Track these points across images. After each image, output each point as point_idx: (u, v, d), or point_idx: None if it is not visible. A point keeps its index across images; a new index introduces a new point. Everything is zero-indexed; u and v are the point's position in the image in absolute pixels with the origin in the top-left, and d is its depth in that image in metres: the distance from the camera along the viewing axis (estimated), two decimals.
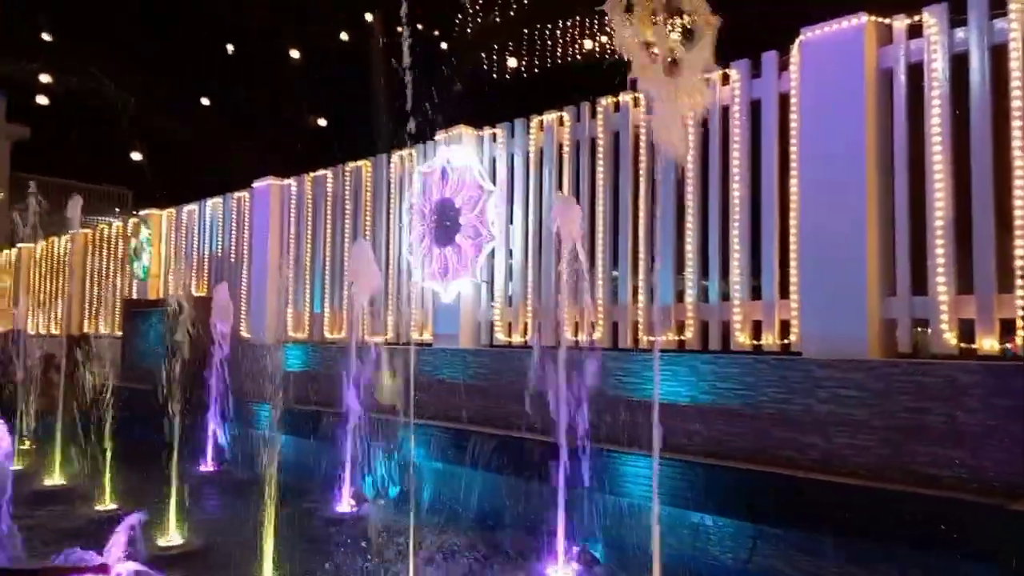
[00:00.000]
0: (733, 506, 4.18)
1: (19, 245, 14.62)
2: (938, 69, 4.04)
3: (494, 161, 6.51)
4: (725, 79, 5.02)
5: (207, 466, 7.07)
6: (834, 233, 4.25)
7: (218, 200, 9.96)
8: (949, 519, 3.30)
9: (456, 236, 6.47)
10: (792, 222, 4.58)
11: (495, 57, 15.05)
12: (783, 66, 4.70)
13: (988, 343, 3.79)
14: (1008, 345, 3.78)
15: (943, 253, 3.97)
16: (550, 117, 6.10)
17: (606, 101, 5.71)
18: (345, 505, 5.64)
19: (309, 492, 6.09)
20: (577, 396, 4.20)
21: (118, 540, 2.89)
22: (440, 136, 6.80)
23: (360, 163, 7.90)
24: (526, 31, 14.75)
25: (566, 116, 5.99)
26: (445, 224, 6.57)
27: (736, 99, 4.92)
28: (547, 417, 4.21)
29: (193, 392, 8.46)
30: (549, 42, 14.74)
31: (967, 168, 3.91)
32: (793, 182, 4.58)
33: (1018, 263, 3.72)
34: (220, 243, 9.88)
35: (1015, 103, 3.72)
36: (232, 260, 9.56)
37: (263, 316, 8.72)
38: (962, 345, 3.88)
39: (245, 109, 17.59)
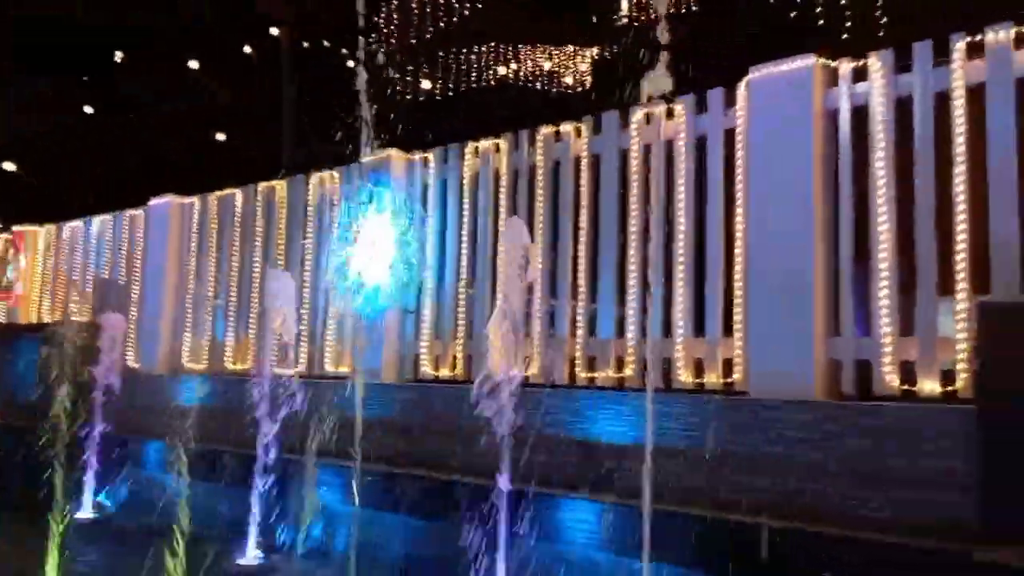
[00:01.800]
0: (680, 553, 4.00)
1: None
2: (882, 112, 4.12)
3: (425, 188, 6.23)
4: (670, 113, 4.99)
5: (88, 512, 6.28)
6: (781, 271, 4.23)
7: (107, 217, 9.14)
8: (908, 566, 3.24)
9: (387, 265, 6.11)
10: (737, 258, 4.54)
11: (409, 79, 14.81)
12: (729, 102, 4.71)
13: (929, 385, 3.82)
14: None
15: (886, 295, 4.01)
16: (486, 144, 5.91)
17: (546, 130, 5.57)
18: (250, 556, 5.09)
19: (209, 541, 5.47)
20: (515, 436, 3.93)
21: None
22: (367, 159, 6.46)
23: (273, 183, 7.42)
24: (442, 54, 14.60)
25: (503, 143, 5.82)
26: (372, 251, 6.19)
27: (681, 134, 4.89)
28: (478, 458, 3.93)
29: (72, 429, 7.61)
30: (464, 67, 14.64)
31: (910, 210, 3.98)
32: (739, 218, 4.55)
33: (959, 307, 3.79)
34: (107, 264, 9.04)
35: (958, 149, 3.83)
36: (121, 283, 8.75)
37: (156, 344, 7.98)
38: (904, 387, 3.90)
39: (135, 121, 16.47)
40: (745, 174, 4.52)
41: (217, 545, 5.26)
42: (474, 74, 14.27)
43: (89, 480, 6.40)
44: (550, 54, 13.99)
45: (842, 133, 4.28)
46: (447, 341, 5.93)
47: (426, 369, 5.98)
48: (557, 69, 13.91)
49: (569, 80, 13.77)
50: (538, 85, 13.89)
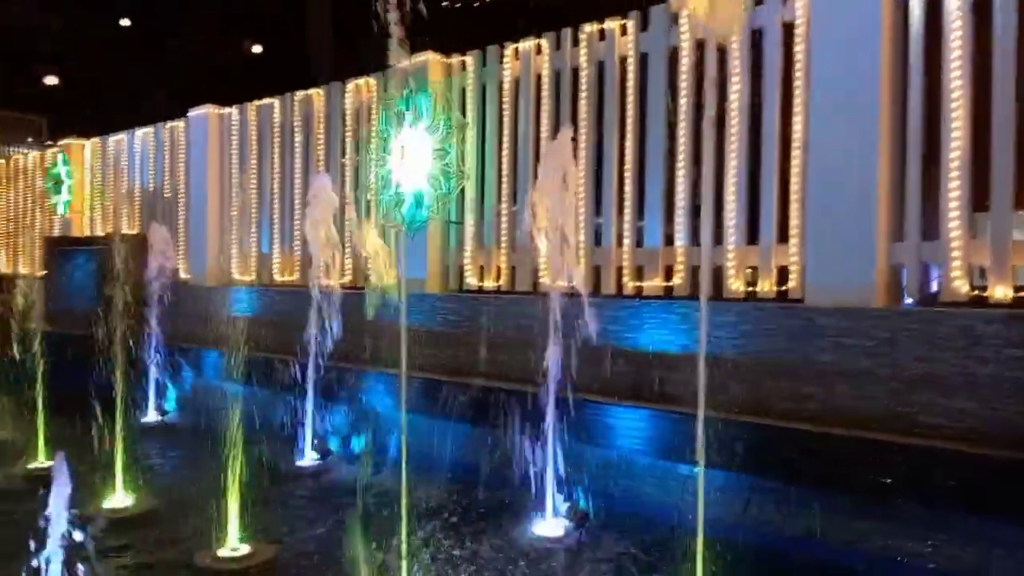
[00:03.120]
0: (728, 458, 4.01)
1: None
2: (959, 5, 3.78)
3: (464, 92, 6.03)
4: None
5: (150, 417, 6.57)
6: (843, 172, 4.02)
7: (149, 130, 9.13)
8: (966, 473, 3.19)
9: (426, 172, 6.01)
10: (794, 161, 4.33)
11: None
12: None
13: (1001, 291, 3.66)
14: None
15: (957, 195, 3.79)
16: (527, 45, 5.65)
17: (590, 28, 5.29)
18: (308, 458, 5.29)
19: (267, 445, 5.70)
20: (565, 346, 3.92)
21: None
22: (403, 63, 6.24)
23: (311, 91, 7.27)
24: None
25: (545, 44, 5.55)
26: (412, 159, 6.08)
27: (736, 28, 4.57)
28: (529, 367, 3.94)
29: (131, 337, 7.89)
30: None
31: (987, 106, 3.70)
32: (797, 119, 4.31)
33: None
34: (152, 177, 9.10)
35: None
36: (166, 195, 8.83)
37: (204, 257, 8.10)
38: (975, 292, 3.74)
39: (172, 33, 16.22)
40: (806, 71, 4.24)
41: (275, 448, 5.49)
42: None
43: (150, 387, 6.67)
44: None
45: (913, 28, 3.96)
46: (491, 251, 5.87)
47: (471, 280, 5.95)
48: None
49: None
50: None
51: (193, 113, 8.28)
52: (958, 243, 3.78)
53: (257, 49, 16.43)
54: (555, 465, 3.93)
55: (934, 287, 4.06)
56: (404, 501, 3.08)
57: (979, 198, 3.80)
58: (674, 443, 4.11)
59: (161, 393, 6.73)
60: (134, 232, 9.08)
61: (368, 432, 5.57)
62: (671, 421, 4.18)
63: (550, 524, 3.79)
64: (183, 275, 8.32)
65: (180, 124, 8.63)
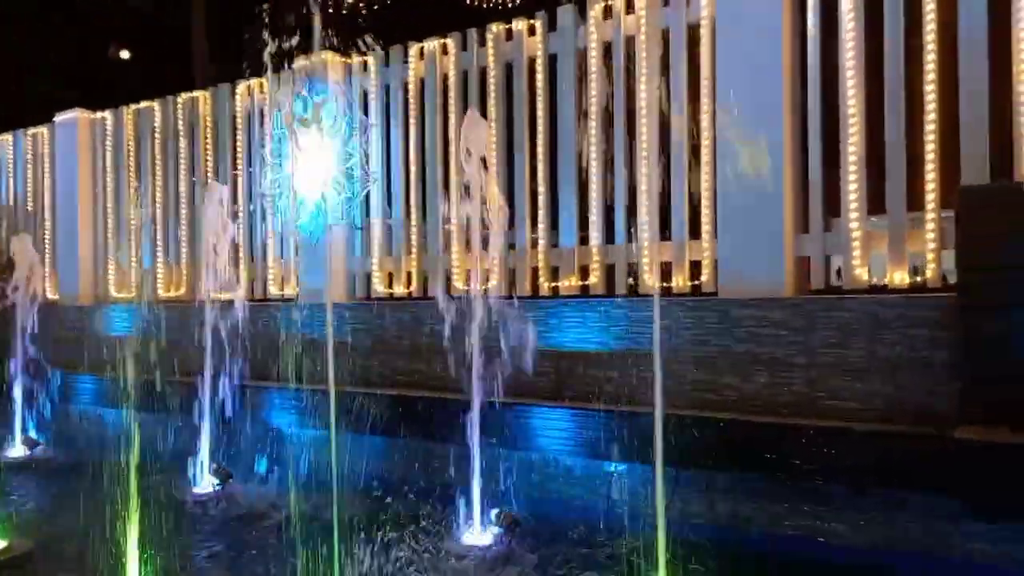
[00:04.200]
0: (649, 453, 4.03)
1: None
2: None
3: (366, 94, 5.84)
4: (628, 7, 4.75)
5: (18, 450, 5.91)
6: (750, 169, 4.15)
7: (6, 137, 8.30)
8: (887, 453, 3.32)
9: (326, 176, 5.75)
10: (703, 160, 4.44)
11: None
12: None
13: (899, 276, 3.87)
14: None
15: (856, 187, 3.99)
16: (432, 45, 5.54)
17: (496, 28, 5.25)
18: (205, 484, 4.89)
19: (158, 473, 5.24)
20: (484, 349, 3.82)
21: None
22: (299, 64, 5.99)
23: (196, 94, 6.84)
24: None
25: (451, 44, 5.46)
26: (311, 163, 5.81)
27: (642, 28, 4.67)
28: (439, 373, 3.83)
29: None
30: None
31: (880, 96, 3.93)
32: (704, 117, 4.43)
33: (928, 196, 3.81)
34: (10, 188, 8.27)
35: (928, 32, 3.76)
36: (28, 209, 8.04)
37: (75, 273, 7.42)
38: (874, 280, 3.94)
39: (26, 36, 14.93)
40: (711, 72, 4.37)
41: (168, 475, 5.05)
42: None
43: (16, 417, 6.01)
44: None
45: (811, 30, 4.16)
46: (399, 257, 5.69)
47: (378, 287, 5.74)
48: None
49: None
50: None
51: (60, 118, 7.60)
52: (858, 234, 3.97)
53: (125, 54, 15.40)
54: (478, 471, 3.80)
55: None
56: (314, 522, 2.88)
57: (873, 202, 4.03)
58: (598, 441, 4.09)
59: (30, 424, 6.08)
60: None
61: (270, 452, 5.24)
62: (594, 419, 4.16)
63: (477, 533, 3.65)
64: (50, 294, 7.59)
65: (44, 130, 7.90)
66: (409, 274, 5.65)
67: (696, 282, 4.51)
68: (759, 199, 4.12)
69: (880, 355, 3.60)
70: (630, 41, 4.74)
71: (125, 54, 15.32)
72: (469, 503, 3.69)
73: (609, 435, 4.07)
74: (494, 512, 3.76)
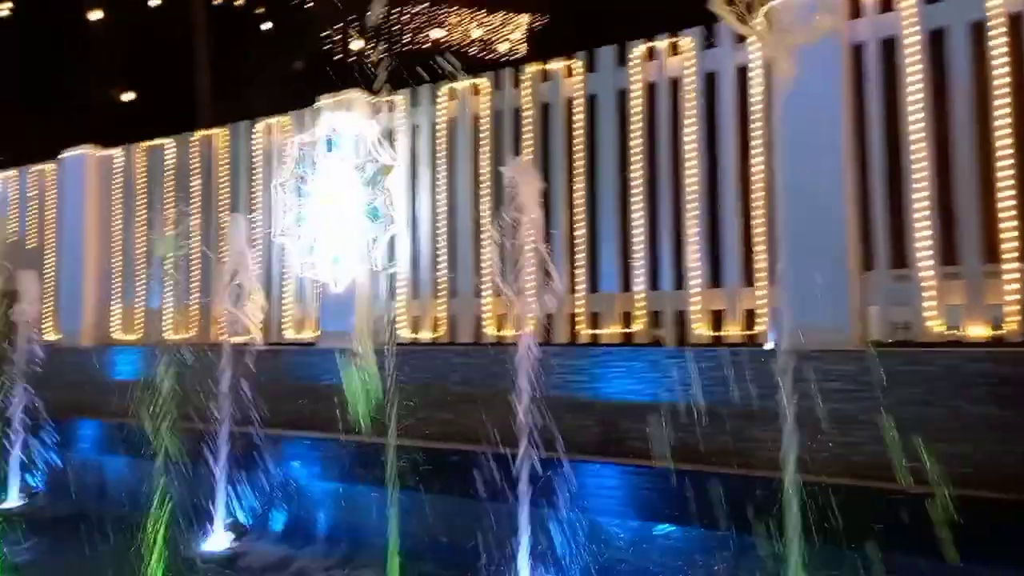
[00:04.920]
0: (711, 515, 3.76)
1: None
2: (913, 43, 3.88)
3: (391, 133, 5.66)
4: (673, 49, 4.63)
5: (15, 500, 5.55)
6: (811, 213, 3.96)
7: (11, 173, 8.06)
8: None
9: (349, 218, 5.54)
10: (755, 203, 4.26)
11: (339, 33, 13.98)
12: (741, 37, 4.38)
13: (977, 330, 3.67)
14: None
15: (928, 233, 3.81)
16: (463, 85, 5.39)
17: (531, 69, 5.11)
18: (218, 540, 4.56)
19: (165, 527, 4.90)
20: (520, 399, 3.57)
21: None
22: (324, 101, 5.82)
23: (212, 131, 6.66)
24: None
25: (483, 84, 5.31)
26: (334, 204, 5.60)
27: (688, 71, 4.53)
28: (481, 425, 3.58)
29: None
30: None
31: (947, 150, 3.78)
32: (756, 159, 4.26)
33: (1007, 245, 3.63)
34: (14, 227, 8.00)
35: (997, 82, 3.63)
36: (31, 247, 7.77)
37: (78, 314, 7.12)
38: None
39: (28, 77, 14.82)
40: (766, 112, 4.22)
41: (176, 529, 4.72)
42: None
43: (13, 466, 5.67)
44: None
45: (870, 67, 4.03)
46: (426, 301, 5.45)
47: (403, 332, 5.49)
48: None
49: None
50: None
51: (68, 155, 7.38)
52: (930, 283, 3.78)
53: (129, 96, 15.32)
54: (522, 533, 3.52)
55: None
56: None
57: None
58: (655, 501, 3.82)
59: (28, 472, 5.74)
60: None
61: (289, 506, 4.92)
62: (647, 477, 3.90)
63: None
64: (51, 335, 7.27)
65: (50, 167, 7.67)
66: (436, 319, 5.41)
67: (751, 331, 4.30)
68: (822, 244, 3.93)
69: (951, 411, 3.37)
70: (674, 83, 4.61)
71: (129, 95, 15.23)
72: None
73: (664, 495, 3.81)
74: None
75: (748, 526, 3.38)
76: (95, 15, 14.67)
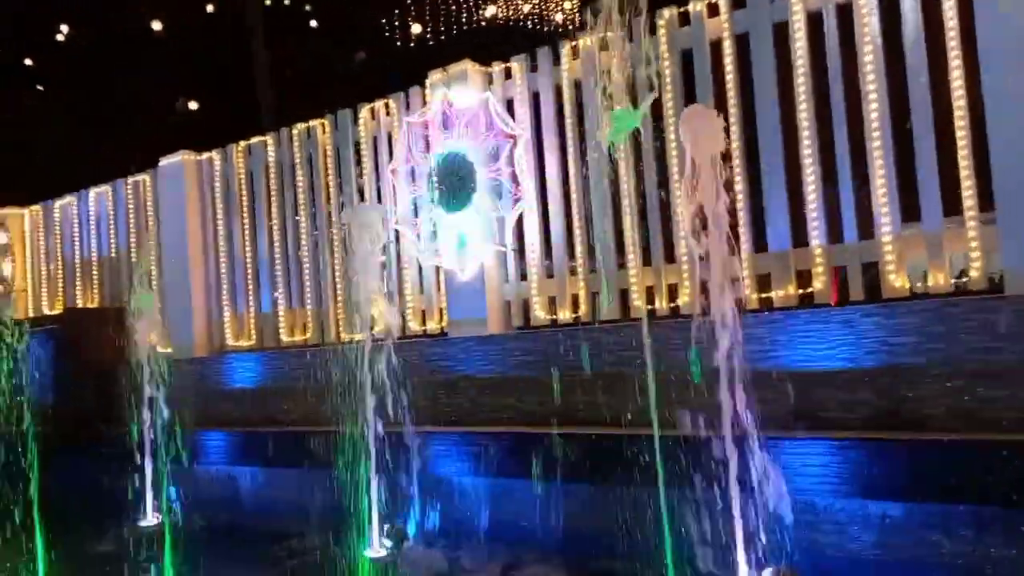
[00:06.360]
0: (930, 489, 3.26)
1: None
2: None
3: (510, 103, 5.28)
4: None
5: (152, 519, 5.36)
6: None
7: (105, 188, 7.99)
8: None
9: (472, 197, 5.18)
10: (959, 126, 3.71)
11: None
12: None
13: None
14: None
15: None
16: (587, 42, 4.96)
17: (668, 13, 4.66)
18: (376, 546, 4.24)
19: (318, 535, 4.63)
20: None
21: None
22: (435, 76, 5.48)
23: (314, 123, 6.39)
24: None
25: (612, 36, 4.87)
26: (455, 183, 5.26)
27: None
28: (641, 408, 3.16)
29: (101, 427, 6.65)
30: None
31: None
32: (955, 76, 3.72)
33: None
34: (113, 241, 7.92)
35: None
36: (134, 260, 7.66)
37: (188, 324, 6.96)
38: None
39: (96, 97, 14.99)
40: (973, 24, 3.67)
41: (331, 538, 4.44)
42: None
43: (146, 483, 5.49)
44: None
45: None
46: (562, 278, 5.05)
47: (540, 313, 5.10)
48: None
49: None
50: None
51: (165, 162, 7.24)
52: None
53: (193, 105, 15.40)
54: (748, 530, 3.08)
55: None
56: None
57: None
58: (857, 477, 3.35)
59: (161, 488, 5.54)
60: (100, 306, 7.88)
61: (439, 504, 4.59)
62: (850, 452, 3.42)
63: None
64: (162, 348, 7.13)
65: (146, 177, 7.56)
66: (576, 296, 5.00)
67: (962, 279, 3.76)
68: None
69: None
70: (842, 8, 4.10)
71: (193, 105, 15.31)
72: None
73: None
74: None
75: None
76: (153, 24, 14.75)
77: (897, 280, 3.87)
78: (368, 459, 4.31)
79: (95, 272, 8.04)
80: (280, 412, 5.73)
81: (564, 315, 5.02)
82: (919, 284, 3.88)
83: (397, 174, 5.66)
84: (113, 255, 7.90)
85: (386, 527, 4.23)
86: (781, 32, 4.25)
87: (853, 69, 4.02)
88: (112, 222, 7.89)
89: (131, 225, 7.69)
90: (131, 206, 7.70)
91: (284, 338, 6.41)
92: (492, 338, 5.02)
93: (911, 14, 3.85)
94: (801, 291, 4.19)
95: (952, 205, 3.72)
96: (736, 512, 3.11)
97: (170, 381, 5.56)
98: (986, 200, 3.61)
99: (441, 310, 5.55)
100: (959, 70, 3.69)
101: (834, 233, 4.11)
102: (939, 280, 3.77)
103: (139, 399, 5.52)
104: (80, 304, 8.09)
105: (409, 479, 4.45)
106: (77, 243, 8.21)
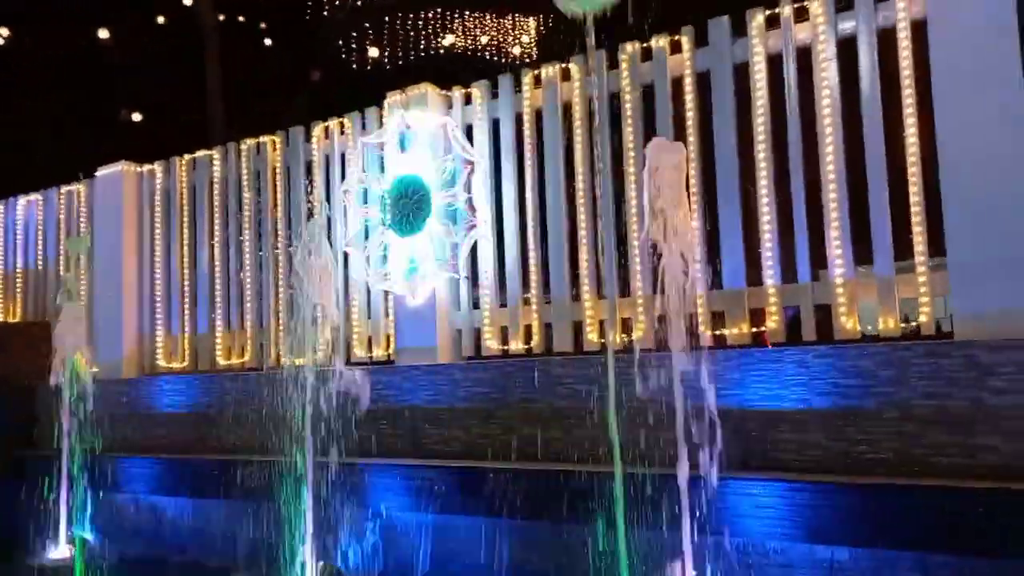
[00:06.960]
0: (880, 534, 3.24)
1: None
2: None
3: (470, 129, 5.21)
4: (800, 14, 4.20)
5: (63, 551, 4.98)
6: (990, 185, 3.49)
7: (35, 197, 7.59)
8: None
9: (426, 222, 5.06)
10: (911, 176, 3.78)
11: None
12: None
13: None
14: None
15: None
16: (550, 71, 4.95)
17: (631, 47, 4.68)
18: None
19: (244, 571, 4.37)
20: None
21: None
22: (393, 98, 5.38)
23: (264, 139, 6.20)
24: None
25: (574, 69, 4.87)
26: (409, 207, 5.13)
27: (820, 38, 4.10)
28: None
29: (16, 450, 6.25)
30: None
31: None
32: (910, 129, 3.81)
33: None
34: (40, 253, 7.51)
35: None
36: (62, 273, 7.26)
37: (117, 342, 6.59)
38: None
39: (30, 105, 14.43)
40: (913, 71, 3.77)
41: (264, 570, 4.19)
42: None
43: (60, 512, 5.11)
44: None
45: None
46: (515, 308, 4.95)
47: (491, 343, 4.98)
48: None
49: None
50: None
51: (102, 172, 6.92)
52: None
53: (136, 117, 14.97)
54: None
55: None
56: None
57: None
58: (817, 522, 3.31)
59: (75, 519, 5.17)
60: (14, 321, 7.43)
61: (378, 541, 4.38)
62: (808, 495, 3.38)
63: None
64: (86, 367, 6.73)
65: (81, 187, 7.20)
66: (528, 327, 4.90)
67: (910, 323, 3.80)
68: (1001, 220, 3.45)
69: None
70: (802, 52, 4.17)
71: (136, 116, 14.88)
72: None
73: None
74: None
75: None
76: (99, 34, 14.34)
77: (848, 322, 3.89)
78: (302, 491, 4.09)
79: (19, 284, 7.59)
80: (212, 438, 5.43)
81: (516, 346, 4.90)
82: (869, 327, 3.90)
83: (349, 195, 5.51)
84: (40, 267, 7.48)
85: (319, 565, 4.00)
86: (742, 72, 4.30)
87: (811, 112, 4.07)
88: (41, 232, 7.48)
89: (61, 236, 7.29)
90: (62, 216, 7.32)
91: (221, 361, 6.11)
92: (441, 367, 4.86)
93: (867, 59, 3.94)
94: (754, 329, 4.17)
95: (906, 249, 3.77)
96: (686, 549, 3.05)
97: (95, 403, 5.23)
98: (936, 246, 3.67)
99: (388, 337, 5.37)
100: (913, 117, 3.77)
101: (788, 273, 4.12)
102: (889, 324, 3.80)
103: (60, 421, 5.19)
104: (0, 318, 7.61)
105: (347, 513, 4.23)
106: (0, 253, 7.75)
